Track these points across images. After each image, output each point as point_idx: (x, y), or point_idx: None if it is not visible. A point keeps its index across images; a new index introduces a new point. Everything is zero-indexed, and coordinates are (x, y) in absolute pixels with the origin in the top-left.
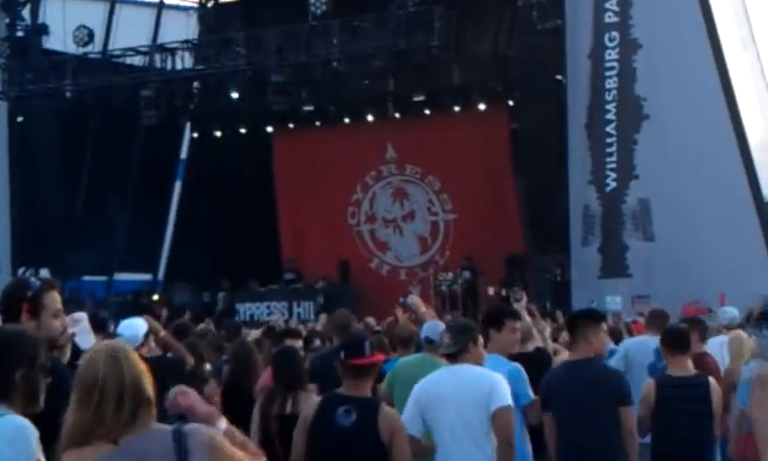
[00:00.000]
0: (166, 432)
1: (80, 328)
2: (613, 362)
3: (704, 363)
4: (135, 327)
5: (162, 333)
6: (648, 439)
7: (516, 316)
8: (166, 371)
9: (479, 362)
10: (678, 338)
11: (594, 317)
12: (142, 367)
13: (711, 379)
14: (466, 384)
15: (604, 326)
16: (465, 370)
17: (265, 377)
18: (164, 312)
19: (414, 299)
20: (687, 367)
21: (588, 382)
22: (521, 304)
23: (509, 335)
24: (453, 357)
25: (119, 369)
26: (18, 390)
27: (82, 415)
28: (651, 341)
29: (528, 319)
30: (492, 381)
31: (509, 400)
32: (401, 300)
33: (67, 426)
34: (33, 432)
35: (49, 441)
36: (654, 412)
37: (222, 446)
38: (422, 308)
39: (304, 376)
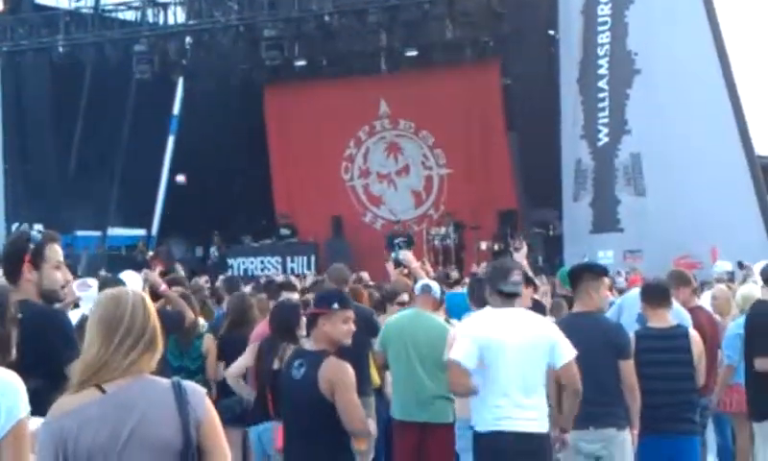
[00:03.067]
0: (163, 383)
1: (88, 294)
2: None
3: (696, 316)
4: (131, 281)
5: (163, 287)
6: None
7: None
8: (167, 325)
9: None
10: (657, 292)
11: (596, 271)
12: (142, 314)
13: (691, 330)
14: (527, 331)
15: (606, 280)
16: (525, 315)
17: (258, 329)
18: (159, 267)
19: (406, 254)
20: (667, 319)
21: (587, 336)
22: (521, 254)
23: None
24: (511, 298)
25: (145, 312)
26: None
27: (103, 351)
28: None
29: (528, 268)
30: (554, 333)
31: (572, 355)
32: (393, 255)
33: (85, 362)
34: (20, 383)
35: (53, 387)
36: (635, 363)
37: (212, 409)
38: (414, 263)
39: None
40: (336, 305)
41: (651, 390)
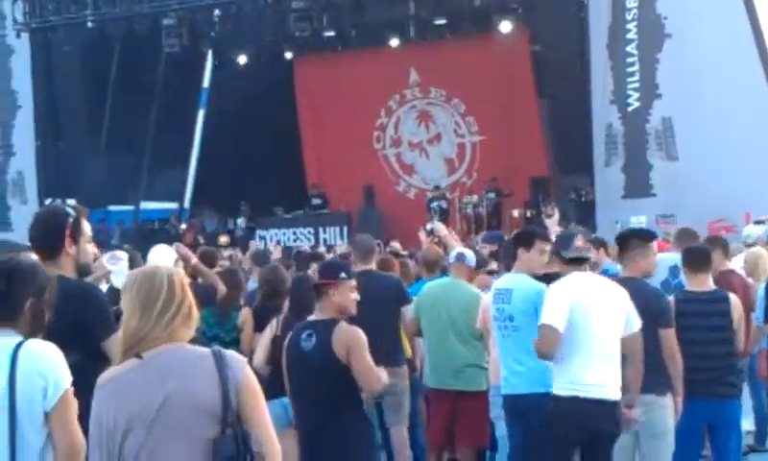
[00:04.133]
0: (203, 350)
1: (119, 267)
2: None
3: (728, 280)
4: (164, 254)
5: (194, 261)
6: None
7: (546, 238)
8: (201, 298)
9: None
10: (697, 256)
11: (644, 237)
12: (178, 288)
13: (732, 295)
14: (608, 297)
15: (654, 246)
16: (601, 282)
17: None
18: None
19: (438, 225)
20: (707, 284)
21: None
22: (553, 220)
23: (537, 256)
24: (580, 263)
25: (182, 287)
26: (25, 317)
27: (143, 323)
28: (669, 259)
29: None
30: (627, 300)
31: (639, 325)
32: (427, 226)
33: (126, 333)
34: (61, 355)
35: (95, 365)
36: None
37: (253, 377)
38: (444, 232)
39: None
40: (343, 275)
41: (691, 354)
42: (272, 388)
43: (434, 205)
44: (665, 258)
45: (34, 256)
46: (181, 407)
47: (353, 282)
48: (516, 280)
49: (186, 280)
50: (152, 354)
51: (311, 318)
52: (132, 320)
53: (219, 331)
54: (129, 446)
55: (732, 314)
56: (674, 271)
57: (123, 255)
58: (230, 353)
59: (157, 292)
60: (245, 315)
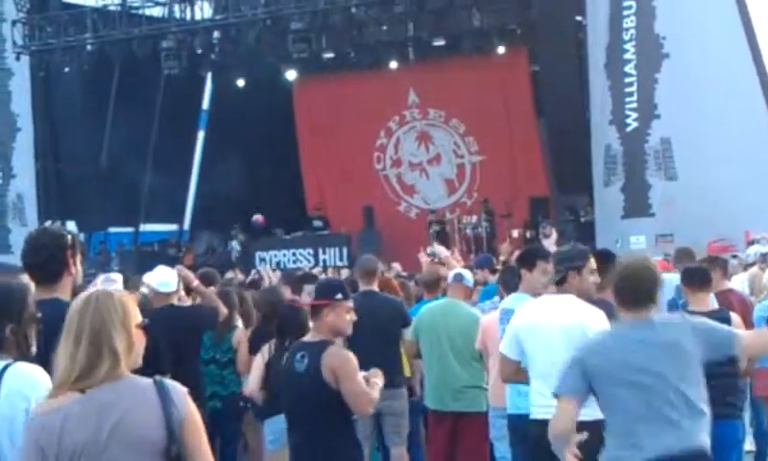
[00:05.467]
0: (145, 382)
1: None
2: None
3: (728, 299)
4: (165, 276)
5: (196, 283)
6: None
7: (548, 257)
8: (202, 320)
9: (581, 294)
10: (696, 275)
11: (604, 258)
12: (116, 316)
13: (733, 314)
14: (558, 316)
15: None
16: (558, 302)
17: None
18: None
19: (438, 247)
20: (708, 303)
21: None
22: (551, 241)
23: (539, 276)
24: (556, 286)
25: (85, 314)
26: (11, 342)
27: (62, 360)
28: (675, 278)
29: None
30: (582, 319)
31: None
32: (428, 250)
33: (65, 365)
34: (46, 376)
35: None
36: None
37: (194, 407)
38: (445, 253)
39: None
40: (340, 295)
41: None
42: (271, 407)
43: (431, 231)
44: (672, 278)
45: (25, 279)
46: (126, 442)
47: (350, 304)
48: (519, 301)
49: (131, 304)
50: (94, 388)
51: (306, 339)
52: (68, 351)
53: (215, 353)
54: None
55: None
56: (679, 289)
57: (117, 277)
58: (173, 385)
59: (67, 327)
60: (239, 336)
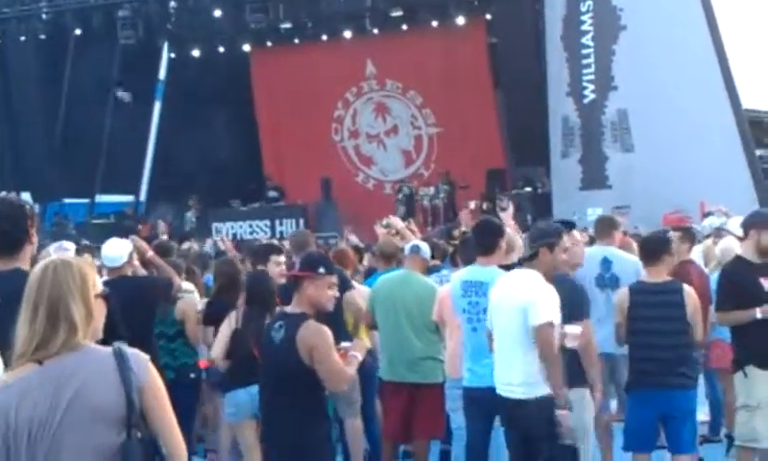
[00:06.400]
0: (104, 351)
1: None
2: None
3: (686, 271)
4: (119, 247)
5: (150, 254)
6: (626, 350)
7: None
8: (155, 291)
9: (549, 270)
10: (647, 247)
11: (567, 227)
12: (74, 285)
13: (686, 286)
14: (511, 292)
15: (576, 236)
16: (519, 276)
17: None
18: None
19: (393, 219)
20: (662, 275)
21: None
22: (508, 213)
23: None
24: (526, 262)
25: (43, 284)
26: None
27: (21, 331)
28: (597, 252)
29: (512, 229)
30: (529, 295)
31: (546, 318)
32: (383, 222)
33: (24, 336)
34: None
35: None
36: (628, 319)
37: (156, 375)
38: (400, 224)
39: (274, 298)
40: (322, 269)
41: (644, 344)
42: (235, 377)
43: (400, 196)
44: (594, 253)
45: None
46: (85, 411)
47: (333, 278)
48: (490, 274)
49: (90, 273)
50: (52, 360)
51: (287, 309)
52: (22, 326)
53: (162, 327)
54: (33, 453)
55: (686, 305)
56: (604, 263)
57: (70, 246)
58: (133, 352)
59: (26, 296)
60: (182, 307)
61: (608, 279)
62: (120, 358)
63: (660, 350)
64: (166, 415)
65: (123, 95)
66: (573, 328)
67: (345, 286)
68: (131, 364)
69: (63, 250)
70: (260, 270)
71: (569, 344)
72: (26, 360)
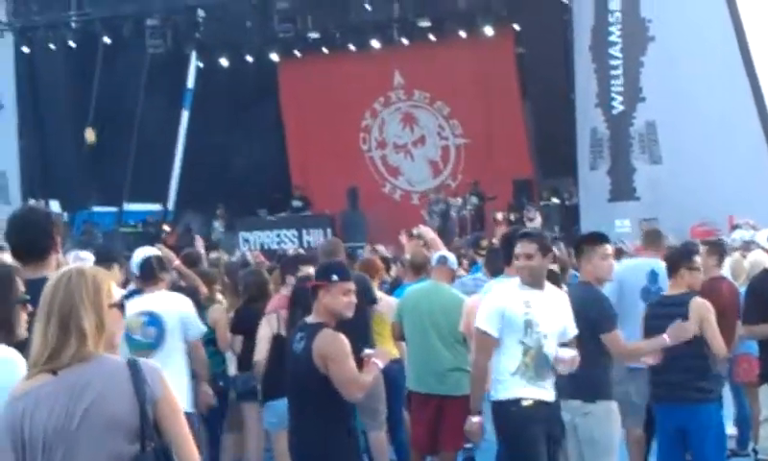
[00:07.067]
0: (118, 362)
1: None
2: (608, 289)
3: (717, 287)
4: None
5: (176, 263)
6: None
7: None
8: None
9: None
10: (672, 259)
11: (593, 240)
12: (86, 295)
13: (698, 298)
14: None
15: (607, 249)
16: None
17: (275, 301)
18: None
19: (422, 228)
20: (680, 287)
21: (574, 309)
22: (535, 224)
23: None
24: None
25: (56, 293)
26: None
27: (35, 340)
28: (645, 264)
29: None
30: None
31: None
32: (413, 231)
33: (38, 346)
34: (18, 361)
35: None
36: (644, 332)
37: (170, 387)
38: (430, 235)
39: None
40: (335, 277)
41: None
42: (276, 387)
43: (436, 208)
44: (641, 264)
45: (7, 259)
46: (98, 424)
47: (349, 285)
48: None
49: (105, 282)
50: (66, 371)
51: (307, 319)
52: (36, 336)
53: None
54: None
55: (690, 316)
56: (651, 276)
57: (87, 255)
58: (148, 365)
59: (53, 304)
60: (214, 315)
61: (653, 293)
62: (134, 369)
63: (672, 363)
64: (181, 427)
65: (89, 134)
66: (565, 352)
67: (368, 296)
68: (145, 376)
69: (80, 260)
70: (305, 276)
71: (561, 370)
72: (39, 370)
